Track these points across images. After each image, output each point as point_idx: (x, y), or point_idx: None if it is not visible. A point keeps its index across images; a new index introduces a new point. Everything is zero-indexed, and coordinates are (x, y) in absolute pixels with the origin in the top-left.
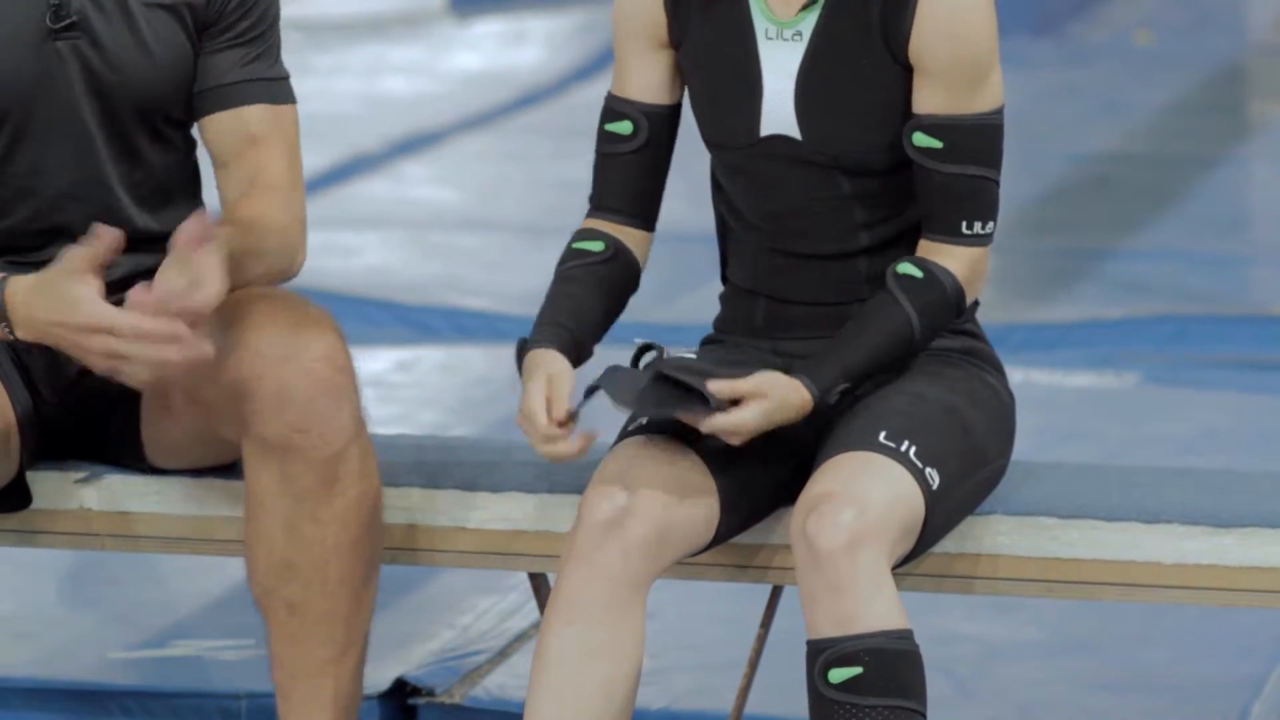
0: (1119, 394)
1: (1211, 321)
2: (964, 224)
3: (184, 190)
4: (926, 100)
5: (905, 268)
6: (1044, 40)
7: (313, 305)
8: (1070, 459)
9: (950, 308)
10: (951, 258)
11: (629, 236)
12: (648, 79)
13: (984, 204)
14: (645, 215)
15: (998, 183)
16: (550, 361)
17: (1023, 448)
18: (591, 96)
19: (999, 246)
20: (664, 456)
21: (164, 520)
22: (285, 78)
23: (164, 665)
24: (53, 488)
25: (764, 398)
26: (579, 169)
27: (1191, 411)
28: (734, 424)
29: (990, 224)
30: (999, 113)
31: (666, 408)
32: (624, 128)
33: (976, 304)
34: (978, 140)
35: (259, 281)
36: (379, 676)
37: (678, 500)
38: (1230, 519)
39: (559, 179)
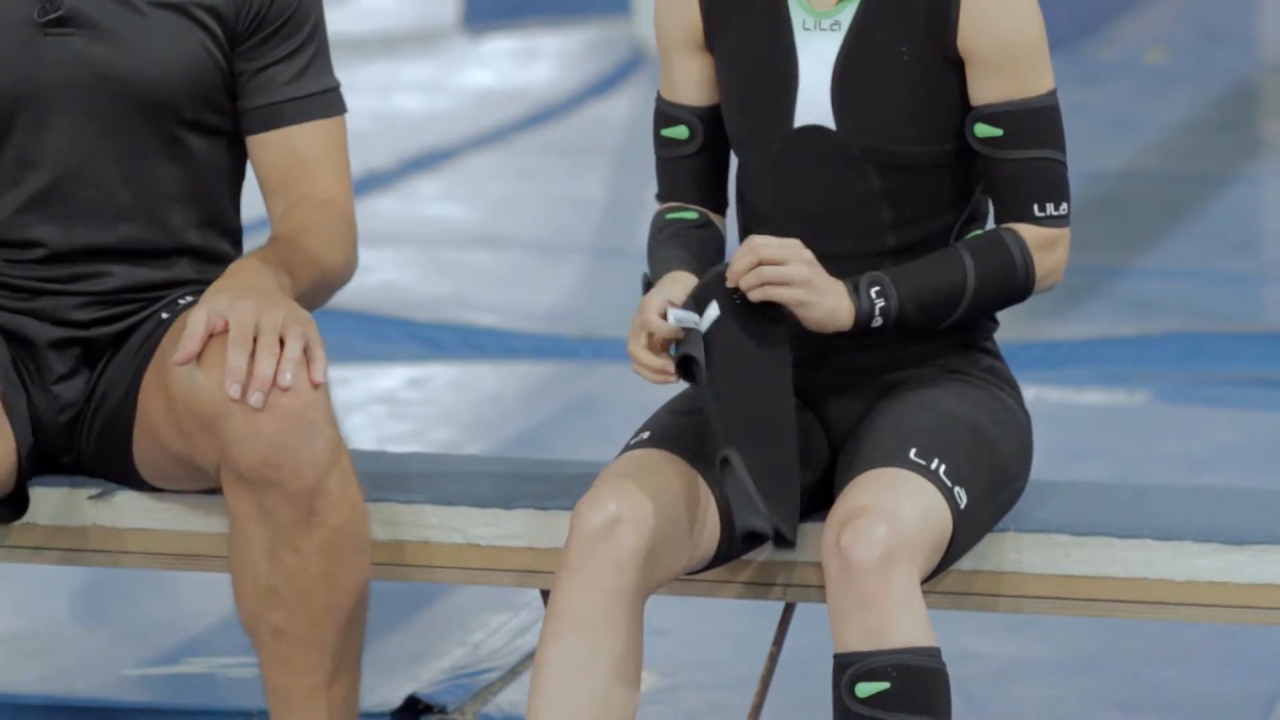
0: (1131, 412)
1: (1224, 339)
2: (1035, 207)
3: (201, 203)
4: (982, 91)
5: (973, 231)
6: (1055, 58)
7: None
8: (1083, 477)
9: (1016, 274)
10: (1025, 234)
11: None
12: (694, 80)
13: (1053, 185)
14: (716, 205)
15: (1064, 164)
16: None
17: (1035, 465)
18: (604, 114)
19: None
20: (660, 469)
21: (176, 537)
22: (335, 87)
23: (176, 682)
24: (65, 504)
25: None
26: (591, 186)
27: (1204, 429)
28: (745, 247)
29: (1064, 205)
30: (1053, 94)
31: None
32: (680, 133)
33: (995, 324)
34: (1037, 123)
35: (318, 287)
36: (391, 694)
37: (672, 512)
38: (1243, 537)
39: (571, 196)
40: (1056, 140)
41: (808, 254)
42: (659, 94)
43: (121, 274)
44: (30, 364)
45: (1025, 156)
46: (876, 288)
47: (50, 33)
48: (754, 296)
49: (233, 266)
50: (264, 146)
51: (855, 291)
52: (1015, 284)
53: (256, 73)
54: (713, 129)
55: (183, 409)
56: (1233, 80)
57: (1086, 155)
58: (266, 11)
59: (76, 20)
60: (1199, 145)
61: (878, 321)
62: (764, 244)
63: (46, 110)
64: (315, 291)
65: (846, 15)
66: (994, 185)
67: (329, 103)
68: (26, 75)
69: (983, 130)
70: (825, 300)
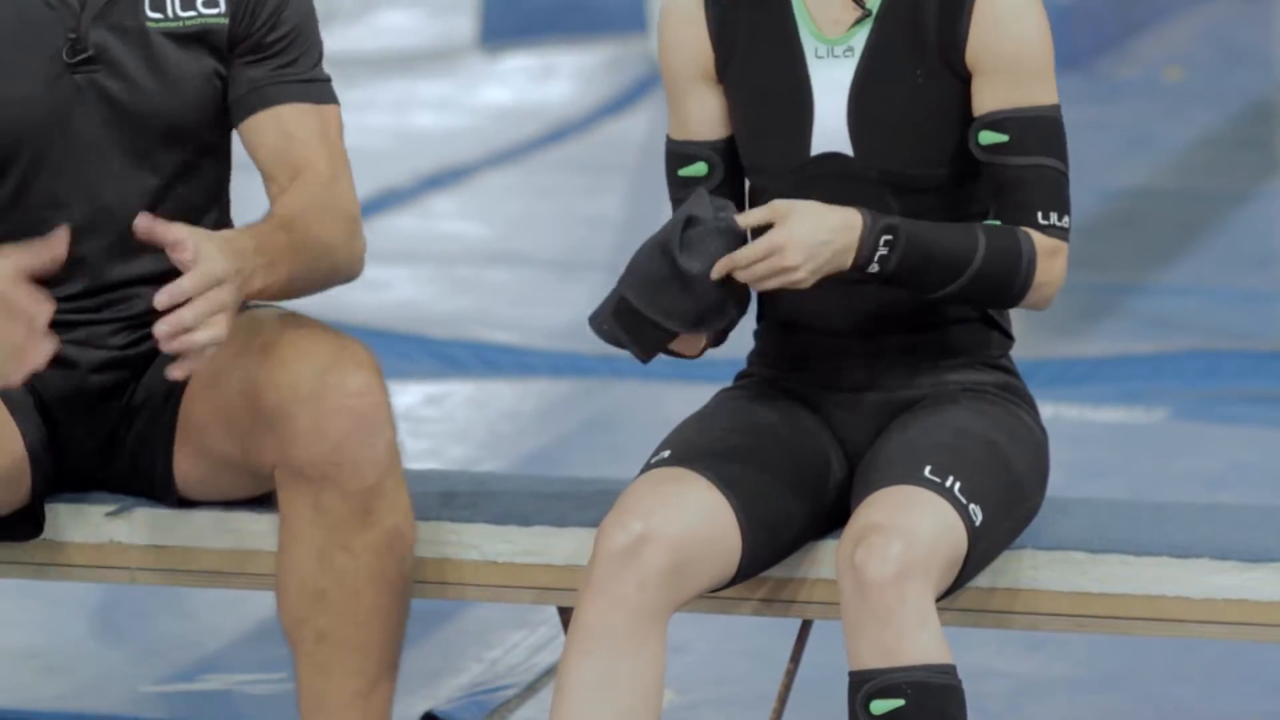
0: (1149, 429)
1: (1241, 357)
2: (1039, 214)
3: (214, 218)
4: (987, 99)
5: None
6: (1073, 76)
7: (350, 338)
8: (1100, 494)
9: (1019, 262)
10: (1034, 238)
11: None
12: (708, 114)
13: (1056, 194)
14: None
15: (1067, 177)
16: None
17: (1053, 483)
18: (621, 132)
19: None
20: (682, 488)
21: (194, 553)
22: (324, 80)
23: (195, 699)
24: (83, 521)
25: (786, 213)
26: (608, 204)
27: (1221, 447)
28: (766, 245)
29: (1065, 218)
30: (1058, 109)
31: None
32: (699, 170)
33: (1011, 340)
34: (1042, 130)
35: (322, 274)
36: (408, 710)
37: (696, 530)
38: (1260, 554)
39: (588, 214)
40: (1060, 151)
41: (791, 236)
42: (669, 137)
43: (149, 296)
44: (66, 391)
45: (1030, 163)
46: (888, 237)
47: (77, 71)
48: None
49: (238, 246)
50: (254, 130)
51: (866, 236)
52: (1015, 277)
53: (243, 67)
54: (730, 163)
55: (241, 406)
56: (1251, 98)
57: (1104, 173)
58: (263, 38)
59: (102, 58)
60: (1217, 163)
61: (874, 268)
62: (759, 269)
63: (74, 148)
64: (313, 272)
65: (859, 41)
66: (998, 192)
67: (317, 90)
68: (55, 114)
69: (987, 137)
70: (830, 259)
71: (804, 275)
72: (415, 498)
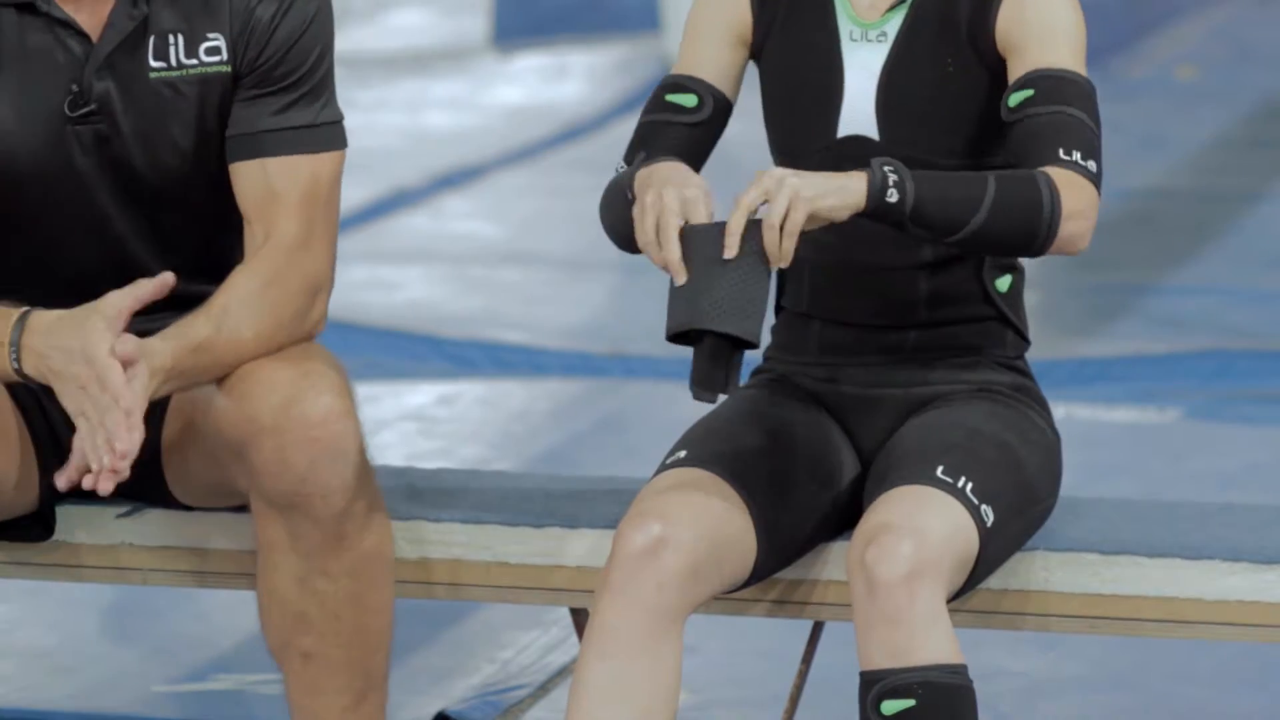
0: (1162, 429)
1: (1255, 357)
2: (1060, 151)
3: (225, 257)
4: (1016, 71)
5: None
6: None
7: (312, 359)
8: (1113, 494)
9: (1040, 200)
10: (1050, 172)
11: None
12: (720, 66)
13: (1081, 138)
14: None
15: (1097, 135)
16: (686, 176)
17: (1065, 483)
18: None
19: (1040, 282)
20: (700, 489)
21: (205, 555)
22: (328, 123)
23: (206, 699)
24: (95, 523)
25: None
26: None
27: (1234, 447)
28: (759, 196)
29: (1091, 162)
30: (1089, 83)
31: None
32: (688, 100)
33: (1027, 343)
34: (1071, 88)
35: (250, 360)
36: (420, 711)
37: (713, 532)
38: (1273, 555)
39: None
40: (1091, 110)
41: (776, 172)
42: (671, 73)
43: (148, 331)
44: (65, 415)
45: (1054, 110)
46: (889, 166)
47: (78, 123)
48: (791, 245)
49: (157, 365)
50: (240, 176)
51: (868, 171)
52: (1038, 211)
53: (244, 103)
54: (716, 116)
55: (212, 436)
56: (1263, 97)
57: (1117, 172)
58: (271, 70)
59: (102, 111)
60: (1229, 163)
61: (893, 195)
62: (768, 214)
63: (72, 198)
64: (236, 367)
65: (893, 26)
66: (1021, 142)
67: (315, 138)
68: (53, 163)
69: (1016, 98)
70: (831, 183)
71: (802, 186)
72: (427, 497)
